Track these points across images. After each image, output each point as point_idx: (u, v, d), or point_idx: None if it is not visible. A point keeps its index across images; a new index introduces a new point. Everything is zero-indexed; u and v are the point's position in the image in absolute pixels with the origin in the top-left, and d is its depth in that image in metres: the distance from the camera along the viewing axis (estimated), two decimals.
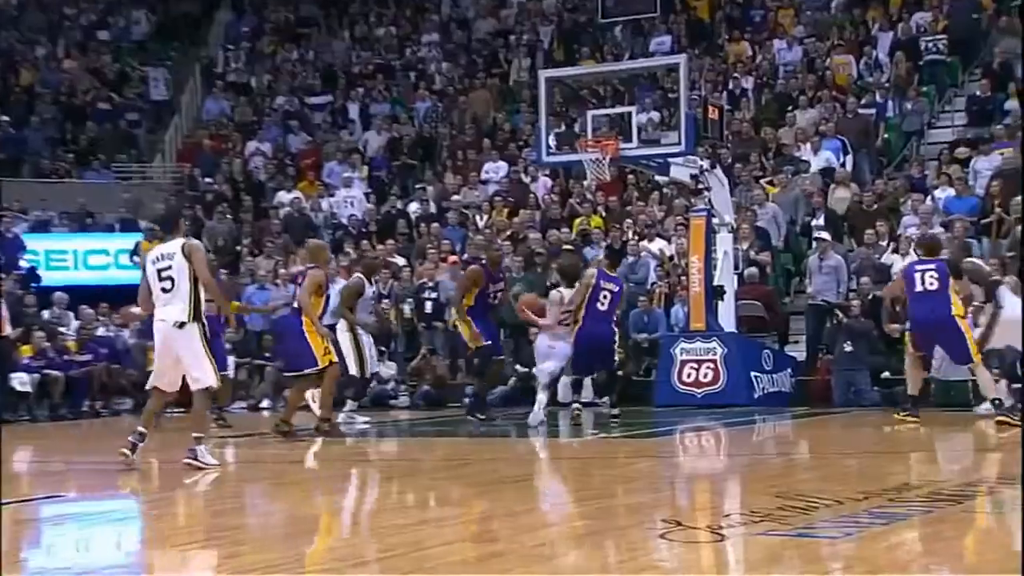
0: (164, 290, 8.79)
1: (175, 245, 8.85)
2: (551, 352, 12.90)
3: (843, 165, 18.76)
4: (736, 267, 15.67)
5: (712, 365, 14.75)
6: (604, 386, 13.44)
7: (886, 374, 15.09)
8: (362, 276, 13.34)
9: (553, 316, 12.82)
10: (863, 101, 20.03)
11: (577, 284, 12.78)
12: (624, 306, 16.65)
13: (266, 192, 22.89)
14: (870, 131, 19.47)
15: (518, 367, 16.67)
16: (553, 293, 13.15)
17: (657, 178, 18.27)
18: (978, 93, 19.26)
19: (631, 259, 17.32)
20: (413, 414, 15.66)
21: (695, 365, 14.94)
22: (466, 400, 16.29)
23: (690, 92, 16.44)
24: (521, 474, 9.24)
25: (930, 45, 20.29)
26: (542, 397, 12.79)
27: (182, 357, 8.77)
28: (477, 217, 20.30)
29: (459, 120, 23.64)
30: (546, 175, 20.84)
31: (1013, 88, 18.82)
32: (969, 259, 13.69)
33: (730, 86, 21.68)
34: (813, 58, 21.65)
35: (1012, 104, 18.62)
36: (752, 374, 14.86)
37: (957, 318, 11.75)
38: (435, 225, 19.62)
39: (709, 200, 15.14)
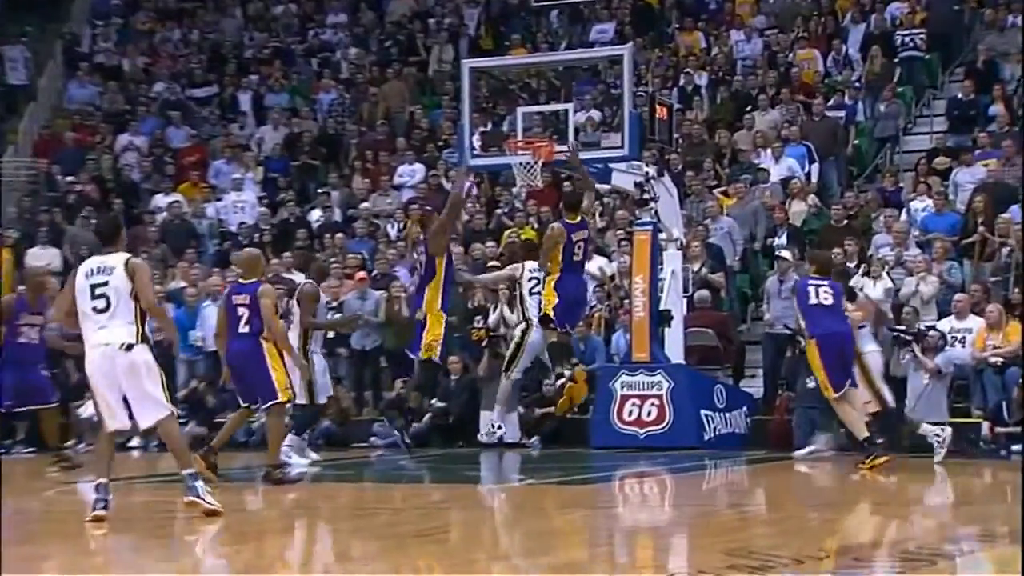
0: (97, 310, 8.76)
1: (116, 260, 8.84)
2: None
3: (808, 175, 19.03)
4: (685, 289, 15.78)
5: (657, 401, 14.83)
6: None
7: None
8: (313, 281, 13.37)
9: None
10: (831, 102, 20.35)
11: (543, 244, 12.96)
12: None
13: (140, 195, 22.62)
14: (839, 136, 19.77)
15: (433, 402, 16.65)
16: (505, 272, 13.39)
17: (597, 186, 18.35)
18: (960, 96, 19.65)
19: None
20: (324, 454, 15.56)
21: (637, 401, 14.98)
22: (373, 439, 16.24)
23: (635, 88, 16.55)
24: (434, 527, 9.19)
25: (907, 40, 20.68)
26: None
27: (131, 385, 8.69)
28: (389, 227, 20.25)
29: (369, 115, 23.58)
30: (470, 181, 20.82)
31: (998, 90, 19.23)
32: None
33: (681, 82, 21.88)
34: (775, 52, 21.95)
35: (997, 108, 19.01)
36: (702, 412, 14.95)
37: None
38: (340, 236, 19.53)
39: (655, 212, 15.24)
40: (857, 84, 20.75)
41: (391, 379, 17.03)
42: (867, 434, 12.53)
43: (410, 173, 21.45)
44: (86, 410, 17.04)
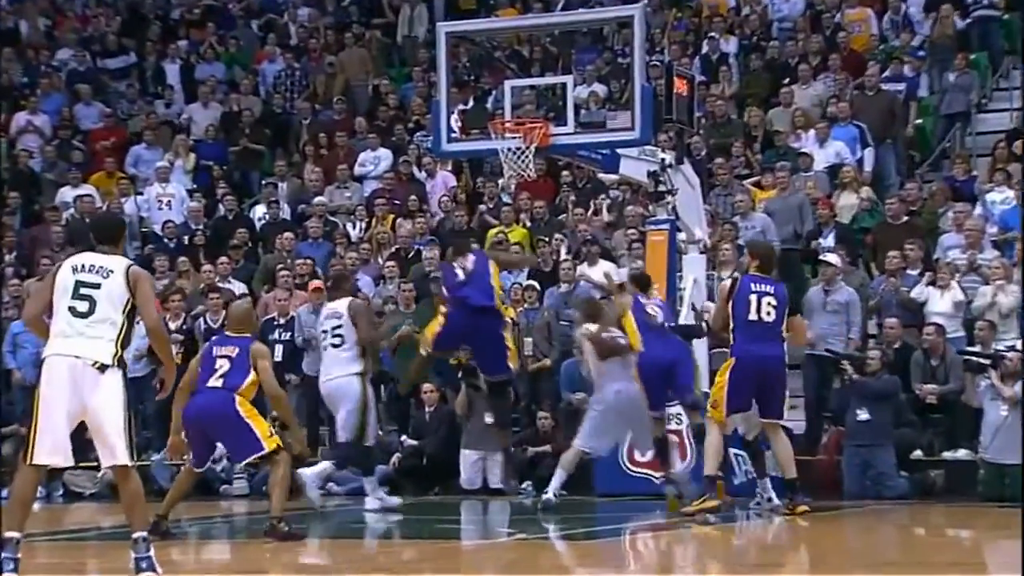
0: (76, 312, 8.76)
1: (116, 263, 8.89)
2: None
3: (860, 161, 19.12)
4: (710, 301, 15.82)
5: (676, 438, 14.83)
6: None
7: (917, 453, 15.32)
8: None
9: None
10: (887, 73, 20.45)
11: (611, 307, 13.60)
12: (555, 353, 16.83)
13: (42, 187, 22.63)
14: (897, 114, 19.87)
15: (404, 438, 16.69)
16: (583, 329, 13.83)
17: (602, 176, 18.41)
18: None
19: (564, 288, 17.41)
20: (254, 505, 15.57)
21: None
22: (330, 485, 16.25)
23: (648, 57, 16.63)
24: None
25: None
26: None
27: (95, 414, 8.64)
28: (349, 226, 20.28)
29: (324, 90, 23.64)
30: (447, 170, 20.89)
31: None
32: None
33: (704, 49, 21.98)
34: (820, 12, 22.06)
35: None
36: (731, 451, 14.92)
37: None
38: (289, 236, 19.57)
39: (673, 208, 15.29)
40: (920, 51, 20.84)
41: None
42: (795, 475, 12.79)
43: (374, 161, 21.51)
44: None
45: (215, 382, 11.63)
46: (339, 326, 13.89)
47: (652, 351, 13.41)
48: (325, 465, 14.07)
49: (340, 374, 13.87)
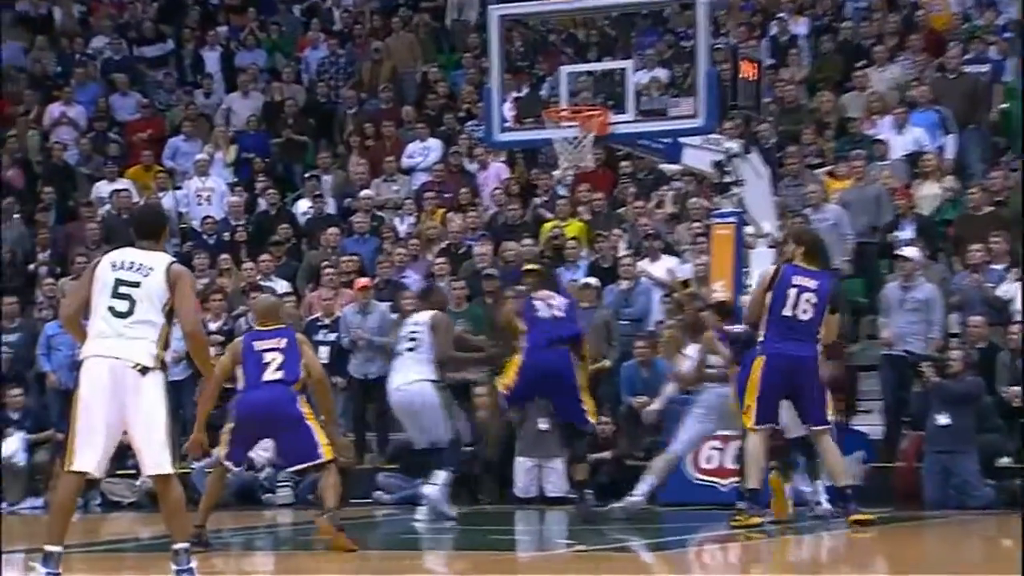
0: (115, 312, 8.79)
1: (157, 260, 8.93)
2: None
3: (940, 149, 19.06)
4: None
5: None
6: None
7: (1004, 460, 15.28)
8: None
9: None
10: (971, 54, 20.37)
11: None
12: (614, 354, 16.86)
13: (77, 181, 22.85)
14: (980, 98, 19.78)
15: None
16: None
17: (663, 167, 18.44)
18: None
19: (624, 285, 17.47)
20: (299, 515, 15.70)
21: (719, 444, 15.06)
22: (378, 493, 16.38)
23: (713, 40, 16.65)
24: None
25: None
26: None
27: (136, 419, 8.69)
28: (397, 221, 20.40)
29: (370, 77, 23.76)
30: (500, 161, 20.97)
31: None
32: None
33: (773, 31, 21.95)
34: None
35: None
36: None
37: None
38: (333, 232, 19.72)
39: (740, 200, 15.31)
40: (1005, 31, 20.73)
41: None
42: (757, 487, 12.64)
43: (422, 152, 21.61)
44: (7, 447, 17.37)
45: (273, 375, 11.71)
46: (419, 333, 13.94)
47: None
48: (443, 475, 13.93)
49: (417, 378, 13.90)
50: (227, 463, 11.93)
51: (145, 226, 9.29)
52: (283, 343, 11.81)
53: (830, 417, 12.74)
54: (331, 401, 12.36)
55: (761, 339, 12.54)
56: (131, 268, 8.90)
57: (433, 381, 13.90)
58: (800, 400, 12.61)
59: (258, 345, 11.86)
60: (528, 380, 13.46)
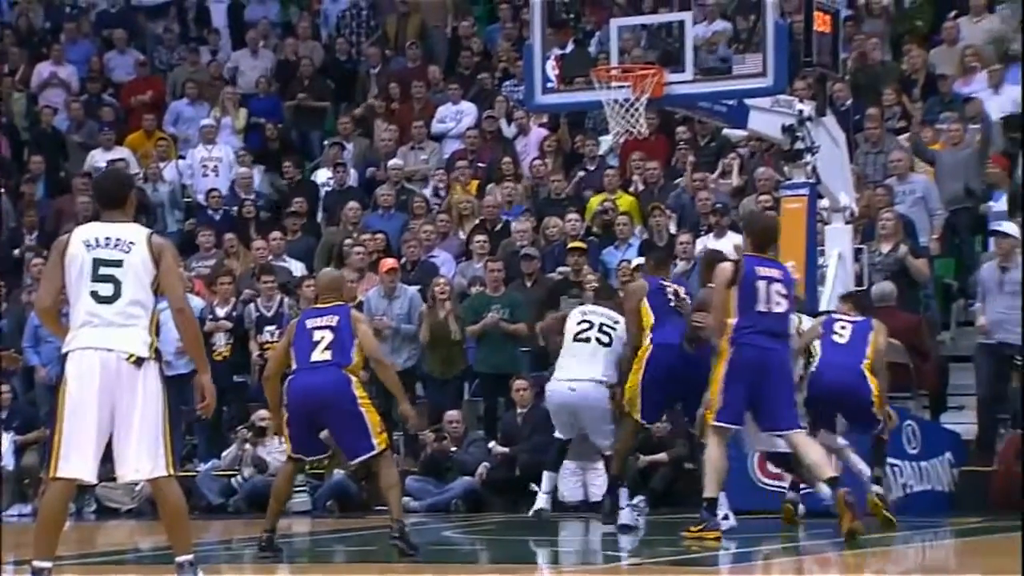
0: (100, 297, 8.70)
1: (134, 232, 8.82)
2: None
3: None
4: (858, 282, 15.82)
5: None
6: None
7: None
8: None
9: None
10: None
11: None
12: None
13: (69, 150, 22.93)
14: None
15: (493, 445, 16.81)
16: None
17: (727, 132, 18.39)
18: None
19: (682, 264, 17.42)
20: (317, 523, 15.74)
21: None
22: (407, 500, 16.42)
23: None
24: None
25: None
26: None
27: (129, 416, 8.64)
28: (427, 193, 20.40)
29: (396, 33, 23.76)
30: (542, 126, 20.94)
31: None
32: None
33: None
34: None
35: None
36: (889, 461, 14.94)
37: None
38: (355, 207, 19.73)
39: (814, 169, 15.26)
40: None
41: (429, 416, 17.21)
42: (714, 495, 12.54)
43: (455, 116, 21.62)
44: None
45: (321, 355, 11.87)
46: (614, 326, 13.82)
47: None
48: (623, 494, 13.81)
49: (591, 377, 13.73)
50: (295, 456, 12.10)
51: (107, 193, 9.08)
52: (335, 321, 11.95)
53: (800, 419, 12.79)
54: (393, 377, 12.35)
55: (731, 335, 12.39)
56: (108, 245, 8.77)
57: (603, 383, 13.79)
58: (767, 401, 12.50)
59: (311, 323, 12.02)
60: (657, 379, 13.42)
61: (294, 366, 11.96)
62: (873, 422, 13.62)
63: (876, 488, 13.66)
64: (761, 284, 12.35)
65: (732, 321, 12.36)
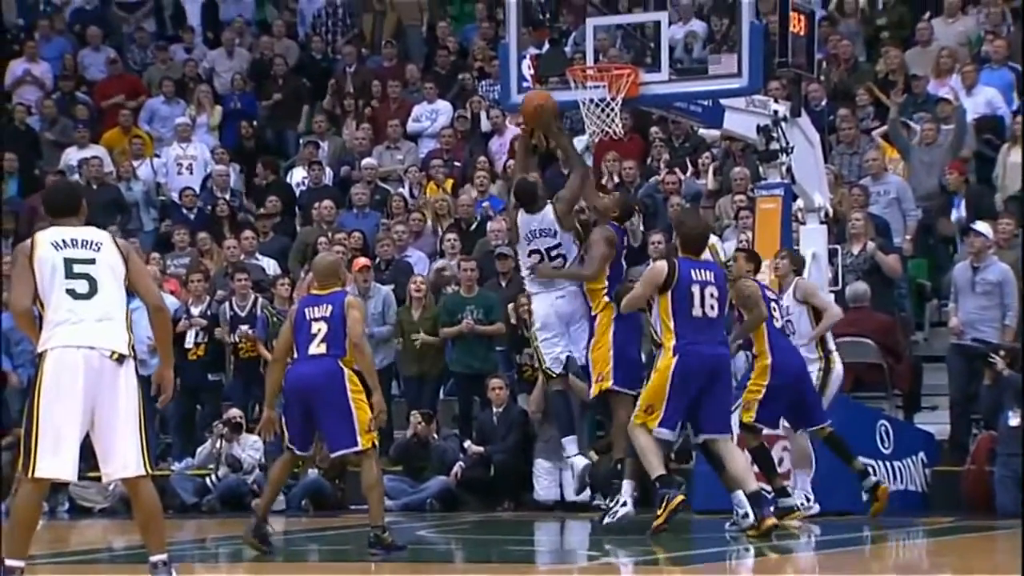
0: (76, 294, 8.79)
1: (97, 233, 8.99)
2: None
3: (1017, 113, 19.06)
4: (834, 281, 15.96)
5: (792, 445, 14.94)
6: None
7: None
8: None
9: None
10: None
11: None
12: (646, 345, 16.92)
13: (42, 148, 22.98)
14: None
15: (468, 444, 16.92)
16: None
17: (702, 132, 18.50)
18: None
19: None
20: (291, 522, 15.86)
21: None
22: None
23: None
24: None
25: None
26: None
27: (108, 415, 8.69)
28: (402, 191, 20.50)
29: (372, 32, 23.82)
30: (517, 126, 21.03)
31: None
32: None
33: None
34: None
35: None
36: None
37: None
38: (329, 205, 19.84)
39: (788, 169, 15.38)
40: None
41: (406, 413, 17.33)
42: (663, 472, 12.72)
43: (430, 115, 21.70)
44: None
45: (317, 348, 11.99)
46: None
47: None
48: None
49: None
50: (291, 447, 12.22)
51: (58, 205, 9.25)
52: (329, 311, 12.05)
53: (734, 423, 13.10)
54: (369, 365, 12.37)
55: (672, 344, 12.59)
56: (76, 245, 8.89)
57: None
58: (707, 405, 12.70)
59: (309, 313, 12.13)
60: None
61: (295, 356, 12.12)
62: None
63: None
64: (695, 288, 12.58)
65: (671, 325, 12.56)
